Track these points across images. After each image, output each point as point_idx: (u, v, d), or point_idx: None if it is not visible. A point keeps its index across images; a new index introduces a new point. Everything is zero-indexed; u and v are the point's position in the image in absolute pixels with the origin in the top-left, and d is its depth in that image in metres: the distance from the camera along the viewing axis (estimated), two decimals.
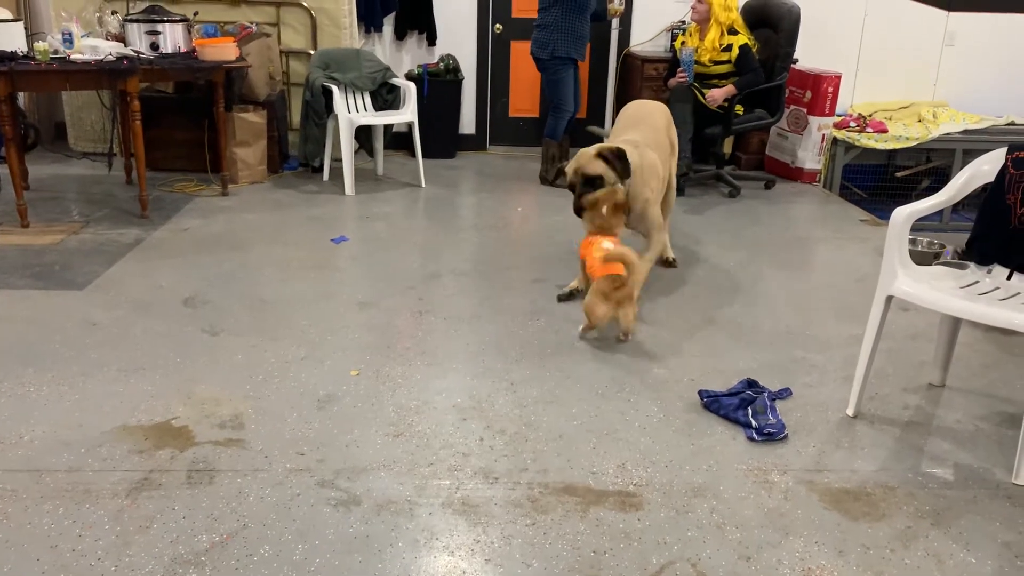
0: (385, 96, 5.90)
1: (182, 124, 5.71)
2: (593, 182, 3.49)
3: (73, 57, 4.49)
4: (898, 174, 6.89)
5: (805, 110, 6.19)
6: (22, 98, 6.05)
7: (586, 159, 3.50)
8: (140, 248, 4.27)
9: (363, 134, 5.97)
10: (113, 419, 2.62)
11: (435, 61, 6.63)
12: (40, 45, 4.39)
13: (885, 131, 6.41)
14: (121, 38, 4.96)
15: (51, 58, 4.42)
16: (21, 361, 2.99)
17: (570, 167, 3.57)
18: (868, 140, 6.34)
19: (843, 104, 6.70)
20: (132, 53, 4.71)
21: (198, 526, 2.12)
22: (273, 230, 4.67)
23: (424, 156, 5.84)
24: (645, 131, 3.88)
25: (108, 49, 4.61)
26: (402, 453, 2.49)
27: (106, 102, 5.91)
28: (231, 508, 2.19)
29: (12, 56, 4.31)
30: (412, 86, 5.69)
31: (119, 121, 5.61)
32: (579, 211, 3.55)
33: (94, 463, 2.38)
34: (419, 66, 6.53)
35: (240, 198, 5.30)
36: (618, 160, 3.50)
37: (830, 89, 6.09)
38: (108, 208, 4.96)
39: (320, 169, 5.86)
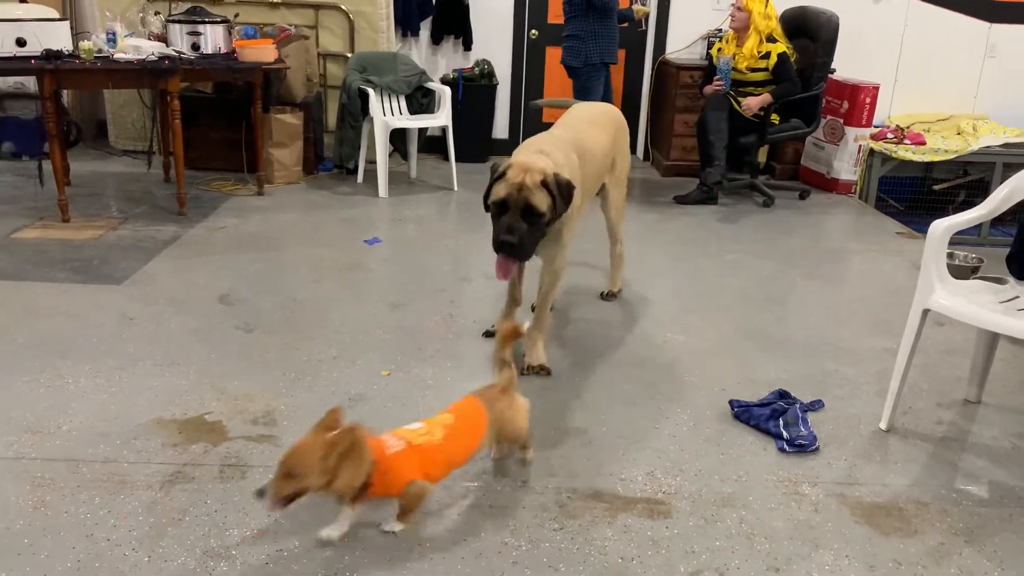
0: (420, 100, 5.94)
1: (220, 124, 5.79)
2: (532, 215, 2.69)
3: (116, 56, 4.58)
4: (935, 187, 6.80)
5: (842, 120, 6.14)
6: (66, 95, 6.17)
7: (533, 183, 2.65)
8: (177, 245, 4.34)
9: (397, 137, 6.00)
10: (148, 412, 2.66)
11: (470, 65, 6.67)
12: (85, 44, 4.48)
13: (923, 143, 6.33)
14: (163, 38, 5.05)
15: (95, 57, 4.51)
16: (60, 353, 3.05)
17: (511, 178, 2.68)
18: (905, 152, 6.27)
19: (881, 115, 6.63)
20: (174, 53, 4.79)
21: (230, 520, 2.15)
22: (307, 230, 4.72)
23: (457, 160, 5.88)
24: (579, 134, 3.18)
25: (150, 49, 4.69)
26: None
27: (147, 101, 6.01)
28: (262, 504, 2.21)
29: (58, 54, 4.40)
30: (447, 90, 5.73)
31: (159, 120, 5.71)
32: (505, 247, 2.71)
33: (129, 455, 2.42)
34: (454, 70, 6.57)
35: (275, 198, 5.36)
36: (563, 198, 2.73)
37: (868, 100, 6.03)
38: (146, 205, 5.04)
39: (354, 171, 5.91)
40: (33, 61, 4.34)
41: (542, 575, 2.01)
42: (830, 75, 5.99)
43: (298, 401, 2.78)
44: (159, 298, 3.62)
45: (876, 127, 6.34)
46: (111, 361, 3.01)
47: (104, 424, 2.58)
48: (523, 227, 2.68)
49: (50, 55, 4.37)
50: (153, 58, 4.59)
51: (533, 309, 3.32)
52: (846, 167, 6.18)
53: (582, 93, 5.75)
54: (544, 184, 2.66)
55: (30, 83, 5.89)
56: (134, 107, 6.24)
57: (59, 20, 4.66)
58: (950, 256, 4.36)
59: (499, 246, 2.71)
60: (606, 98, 5.86)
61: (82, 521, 2.12)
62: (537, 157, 2.74)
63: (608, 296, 3.88)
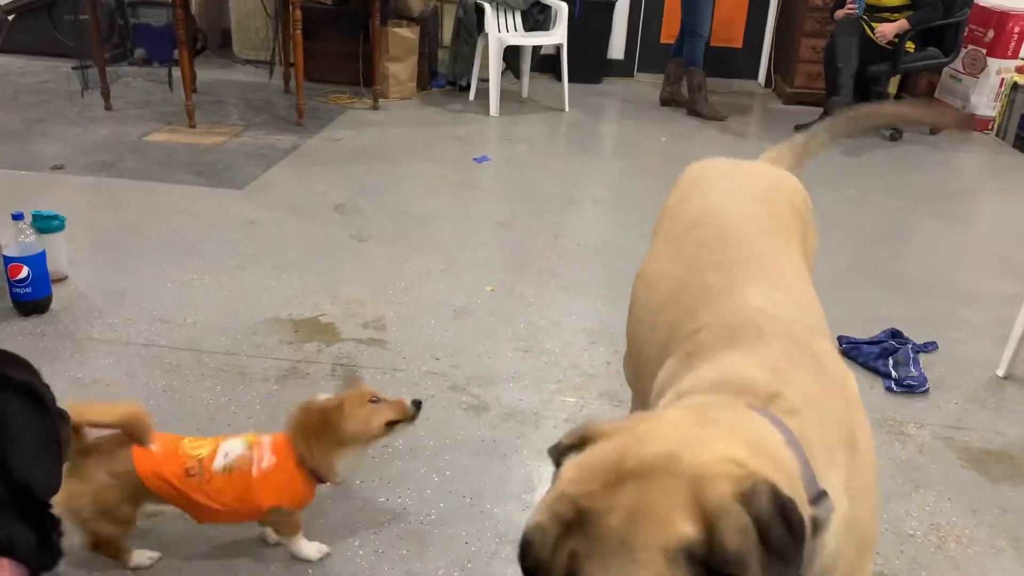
0: (536, 16, 5.85)
1: (338, 36, 5.86)
2: None
3: None
4: None
5: (984, 51, 5.71)
6: (193, 3, 6.35)
7: None
8: (295, 154, 4.47)
9: (510, 55, 5.95)
10: (266, 311, 2.80)
11: None
12: None
13: None
14: None
15: None
16: (186, 251, 3.23)
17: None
18: None
19: None
20: None
21: None
22: (419, 146, 4.78)
23: (570, 80, 5.78)
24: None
25: None
26: (530, 368, 2.55)
27: (269, 11, 6.12)
28: None
29: None
30: (564, 7, 5.61)
31: (281, 30, 5.82)
32: None
33: (248, 349, 2.57)
34: None
35: (389, 112, 5.43)
36: None
37: (1017, 29, 5.58)
38: (267, 114, 5.20)
39: (467, 88, 5.91)
40: None
41: None
42: (976, 1, 5.56)
43: (406, 310, 2.87)
44: (278, 204, 3.76)
45: (1023, 59, 5.88)
46: (233, 261, 3.17)
47: (226, 319, 2.73)
48: None
49: None
50: None
51: None
52: (985, 102, 5.77)
53: (690, 11, 5.51)
54: None
55: None
56: (257, 17, 6.37)
57: None
58: None
59: None
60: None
61: (205, 406, 2.28)
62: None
63: None
